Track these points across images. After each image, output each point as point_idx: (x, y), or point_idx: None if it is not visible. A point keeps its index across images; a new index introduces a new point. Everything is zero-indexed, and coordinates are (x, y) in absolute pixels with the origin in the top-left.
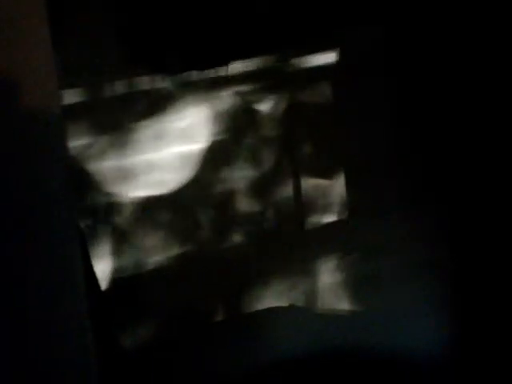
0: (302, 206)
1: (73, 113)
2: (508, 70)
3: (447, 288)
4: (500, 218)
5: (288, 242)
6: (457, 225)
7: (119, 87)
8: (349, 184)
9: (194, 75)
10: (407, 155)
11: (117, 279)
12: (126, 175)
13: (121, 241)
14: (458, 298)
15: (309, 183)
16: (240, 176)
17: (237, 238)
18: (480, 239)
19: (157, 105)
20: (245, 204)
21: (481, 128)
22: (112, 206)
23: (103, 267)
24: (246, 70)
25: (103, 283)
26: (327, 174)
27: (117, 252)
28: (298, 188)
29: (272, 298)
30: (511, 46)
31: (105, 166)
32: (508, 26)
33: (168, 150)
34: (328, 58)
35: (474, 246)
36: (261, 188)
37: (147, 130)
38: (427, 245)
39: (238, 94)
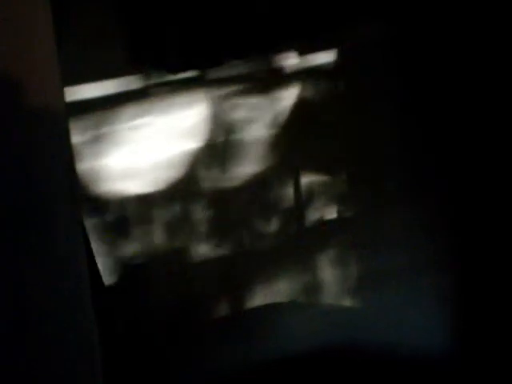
0: (303, 203)
1: (76, 111)
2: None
3: (449, 286)
4: (502, 216)
5: (289, 239)
6: (459, 223)
7: (122, 85)
8: (350, 181)
9: (194, 74)
10: (409, 153)
11: (119, 277)
12: (129, 173)
13: (122, 239)
14: (460, 297)
15: (309, 181)
16: (240, 174)
17: (237, 234)
18: (482, 237)
19: (157, 103)
20: (245, 201)
21: (483, 126)
22: (114, 204)
23: (105, 265)
24: (245, 68)
25: (106, 280)
26: (328, 171)
27: (118, 250)
28: (298, 185)
29: (273, 294)
30: None
31: (107, 164)
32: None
33: (168, 148)
34: (328, 56)
35: (476, 244)
36: (261, 185)
37: (148, 128)
38: (429, 243)
39: (237, 93)
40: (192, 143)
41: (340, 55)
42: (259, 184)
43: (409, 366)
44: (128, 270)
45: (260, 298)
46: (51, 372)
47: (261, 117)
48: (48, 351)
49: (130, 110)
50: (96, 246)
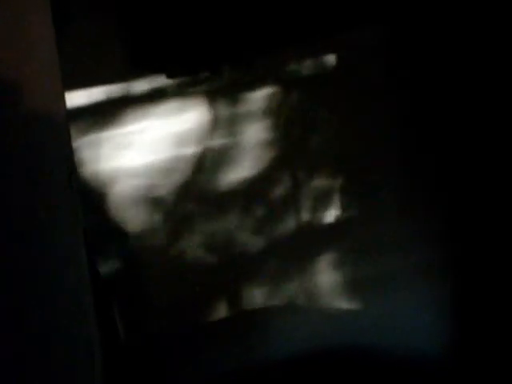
0: (302, 206)
1: (76, 115)
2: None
3: (448, 289)
4: (501, 218)
5: (287, 241)
6: (457, 227)
7: (122, 90)
8: (349, 183)
9: (193, 78)
10: (407, 155)
11: (117, 278)
12: (129, 176)
13: (121, 240)
14: (459, 298)
15: (308, 184)
16: (239, 177)
17: (235, 236)
18: (481, 239)
19: (156, 108)
20: (243, 204)
21: (482, 128)
22: (114, 205)
23: (104, 265)
24: (244, 73)
25: (105, 282)
26: (327, 175)
27: (117, 251)
28: (297, 189)
29: (270, 296)
30: None
31: (107, 167)
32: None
33: (167, 152)
34: (327, 57)
35: (475, 247)
36: (259, 188)
37: (147, 132)
38: (428, 245)
39: (236, 97)
40: (191, 147)
41: (339, 59)
42: (258, 187)
43: (408, 369)
44: (127, 271)
45: (258, 300)
46: (51, 373)
47: (260, 120)
48: (48, 352)
49: (129, 114)
50: (97, 249)
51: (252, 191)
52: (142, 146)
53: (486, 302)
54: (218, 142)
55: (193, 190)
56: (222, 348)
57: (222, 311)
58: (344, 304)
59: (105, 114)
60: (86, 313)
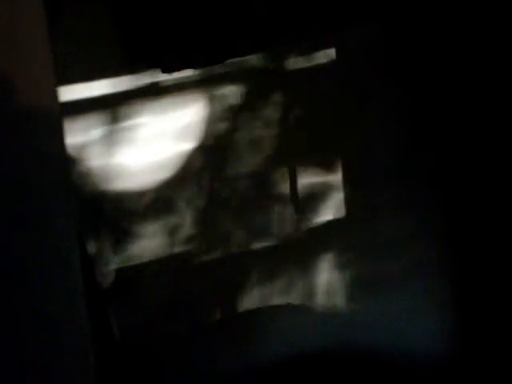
0: (300, 204)
1: (70, 111)
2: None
3: (448, 288)
4: (501, 217)
5: (286, 241)
6: (456, 226)
7: (117, 85)
8: (347, 183)
9: (192, 73)
10: (407, 154)
11: (114, 279)
12: (125, 174)
13: (118, 239)
14: (459, 298)
15: (307, 182)
16: (237, 174)
17: (234, 236)
18: (481, 239)
19: (152, 103)
20: (242, 202)
21: (482, 127)
22: (110, 204)
23: (100, 267)
24: (243, 68)
25: (101, 281)
26: (325, 172)
27: (114, 251)
28: (295, 187)
29: (269, 296)
30: None
31: (102, 165)
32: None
33: (164, 149)
34: (326, 55)
35: (474, 246)
36: (258, 186)
37: (143, 128)
38: (427, 244)
39: (234, 92)
40: (188, 143)
41: (337, 54)
42: (256, 184)
43: (408, 369)
44: (123, 271)
45: (257, 300)
46: (44, 374)
47: (258, 116)
48: (41, 354)
49: (124, 110)
50: (92, 248)
51: (251, 188)
52: (138, 142)
53: (486, 302)
54: (215, 137)
55: (190, 187)
56: (221, 348)
57: (221, 311)
58: (343, 304)
59: (100, 110)
60: (79, 313)
